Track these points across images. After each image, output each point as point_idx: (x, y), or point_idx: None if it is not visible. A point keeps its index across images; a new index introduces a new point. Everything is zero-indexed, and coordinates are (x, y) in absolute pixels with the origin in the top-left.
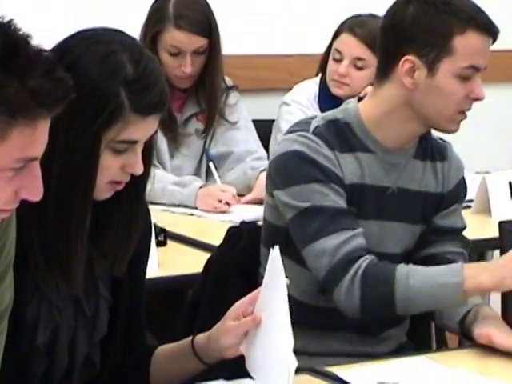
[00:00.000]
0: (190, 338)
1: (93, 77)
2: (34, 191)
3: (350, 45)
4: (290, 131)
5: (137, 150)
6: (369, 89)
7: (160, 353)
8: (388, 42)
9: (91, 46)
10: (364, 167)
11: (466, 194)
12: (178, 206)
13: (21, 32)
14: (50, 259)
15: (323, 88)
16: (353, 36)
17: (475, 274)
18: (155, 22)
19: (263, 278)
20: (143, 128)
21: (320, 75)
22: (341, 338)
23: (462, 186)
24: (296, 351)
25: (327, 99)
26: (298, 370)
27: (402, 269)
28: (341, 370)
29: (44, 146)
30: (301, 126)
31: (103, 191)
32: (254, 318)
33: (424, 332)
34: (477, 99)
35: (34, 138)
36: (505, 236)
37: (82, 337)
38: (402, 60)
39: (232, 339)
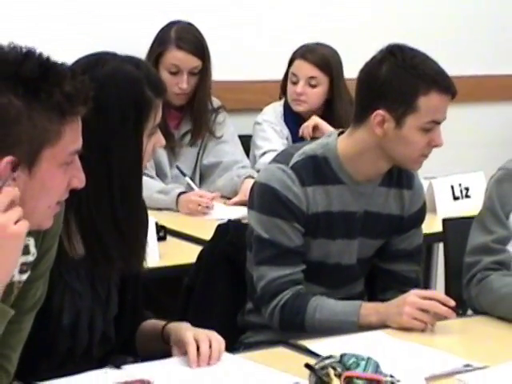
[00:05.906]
0: (164, 322)
1: (119, 92)
2: (81, 179)
3: (304, 68)
4: (274, 159)
5: (159, 131)
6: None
7: (145, 325)
8: (363, 94)
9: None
10: (333, 198)
11: (424, 218)
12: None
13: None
14: (120, 247)
15: (286, 107)
16: (305, 61)
17: (368, 314)
18: (158, 44)
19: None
20: (160, 110)
21: (283, 97)
22: None
23: (421, 213)
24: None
25: (290, 116)
26: (272, 343)
27: (314, 303)
28: (311, 344)
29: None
30: (284, 157)
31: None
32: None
33: None
34: (436, 146)
35: (78, 132)
36: (447, 231)
37: (98, 317)
38: (375, 113)
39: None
